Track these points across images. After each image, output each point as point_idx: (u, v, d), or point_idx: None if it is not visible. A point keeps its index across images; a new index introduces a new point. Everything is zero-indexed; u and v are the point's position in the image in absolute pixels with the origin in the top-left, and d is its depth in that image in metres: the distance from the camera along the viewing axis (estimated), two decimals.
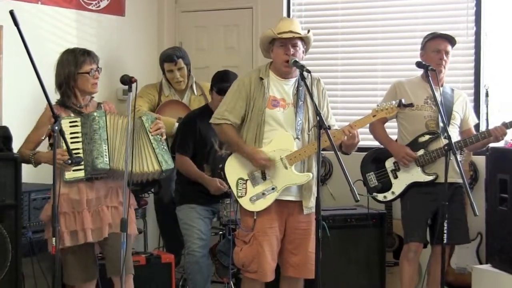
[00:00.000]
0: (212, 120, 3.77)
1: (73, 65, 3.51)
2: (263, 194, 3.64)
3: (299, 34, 3.64)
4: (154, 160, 3.55)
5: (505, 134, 4.17)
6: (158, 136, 3.59)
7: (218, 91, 4.41)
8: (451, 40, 4.29)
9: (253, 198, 3.65)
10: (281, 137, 3.64)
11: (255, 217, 3.64)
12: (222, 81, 4.43)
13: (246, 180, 3.68)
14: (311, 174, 3.65)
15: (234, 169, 3.70)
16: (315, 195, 3.69)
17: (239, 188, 3.67)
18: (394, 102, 3.63)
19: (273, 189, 3.63)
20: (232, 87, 3.79)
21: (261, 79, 3.68)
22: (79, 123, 3.46)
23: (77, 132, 3.45)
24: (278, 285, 3.88)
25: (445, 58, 4.25)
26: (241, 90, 3.69)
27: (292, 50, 3.62)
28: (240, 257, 3.72)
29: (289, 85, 3.71)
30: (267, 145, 3.65)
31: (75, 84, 3.52)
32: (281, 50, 3.64)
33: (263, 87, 3.66)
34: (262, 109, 3.63)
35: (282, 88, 3.70)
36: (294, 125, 3.65)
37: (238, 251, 3.74)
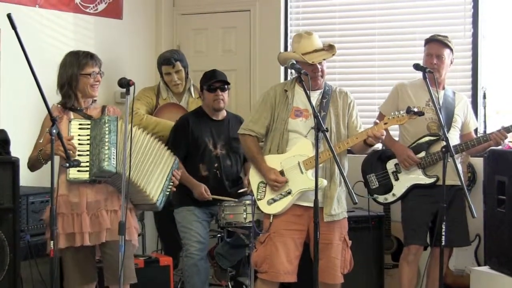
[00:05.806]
0: (238, 131, 3.94)
1: (76, 66, 3.52)
2: (279, 197, 3.72)
3: (326, 57, 3.78)
4: (158, 190, 3.58)
5: (505, 138, 4.17)
6: (171, 180, 3.66)
7: (208, 88, 4.54)
8: (443, 43, 4.26)
9: (270, 201, 3.75)
10: (301, 144, 3.74)
11: (271, 220, 3.73)
12: (210, 78, 4.56)
13: (266, 184, 3.77)
14: (325, 180, 3.67)
15: (256, 173, 3.83)
16: (341, 202, 3.78)
17: (259, 191, 3.80)
18: (402, 111, 3.66)
19: (288, 192, 3.71)
20: (258, 99, 3.98)
21: (286, 91, 3.83)
22: (88, 126, 3.46)
23: (86, 135, 3.44)
24: None
25: (435, 61, 4.22)
26: (266, 101, 3.85)
27: (319, 67, 3.77)
28: (254, 257, 3.80)
29: (314, 97, 3.77)
30: (288, 151, 3.76)
31: (77, 85, 3.52)
32: (309, 68, 3.73)
33: (287, 98, 3.81)
34: (285, 119, 3.77)
35: (306, 100, 3.71)
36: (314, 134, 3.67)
37: (254, 252, 3.82)
